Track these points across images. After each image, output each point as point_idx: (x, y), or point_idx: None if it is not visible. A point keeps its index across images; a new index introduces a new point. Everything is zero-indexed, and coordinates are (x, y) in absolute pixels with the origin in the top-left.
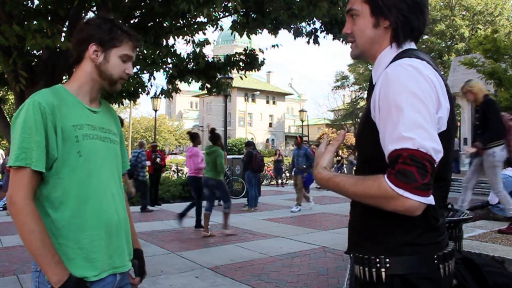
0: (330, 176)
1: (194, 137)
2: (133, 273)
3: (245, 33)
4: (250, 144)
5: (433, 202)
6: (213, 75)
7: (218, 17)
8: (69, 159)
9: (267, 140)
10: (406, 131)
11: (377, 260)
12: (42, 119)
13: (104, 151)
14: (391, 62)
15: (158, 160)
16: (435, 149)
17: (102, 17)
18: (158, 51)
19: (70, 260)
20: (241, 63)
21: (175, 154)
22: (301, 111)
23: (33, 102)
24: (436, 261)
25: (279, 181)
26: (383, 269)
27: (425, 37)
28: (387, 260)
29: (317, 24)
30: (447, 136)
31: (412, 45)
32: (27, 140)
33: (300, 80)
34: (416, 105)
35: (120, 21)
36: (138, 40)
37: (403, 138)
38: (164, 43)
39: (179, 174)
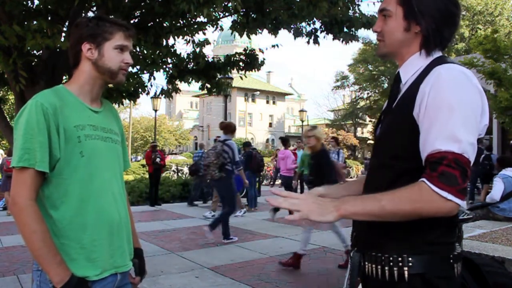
0: (355, 208)
1: (286, 141)
2: (133, 273)
3: (245, 33)
4: (248, 144)
5: (465, 206)
6: (213, 75)
7: (218, 17)
8: (71, 159)
9: (267, 140)
10: (455, 134)
11: (400, 259)
12: (45, 120)
13: (105, 151)
14: (431, 65)
15: (158, 160)
16: (472, 157)
17: (89, 16)
18: (158, 51)
19: (73, 260)
20: (241, 63)
21: (175, 154)
22: (301, 111)
23: (35, 103)
24: (451, 261)
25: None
26: (405, 268)
27: None
28: (410, 259)
29: (317, 24)
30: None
31: (440, 53)
32: (30, 140)
33: (300, 80)
34: (466, 111)
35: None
36: (130, 28)
37: (450, 140)
38: (164, 43)
39: (179, 174)
